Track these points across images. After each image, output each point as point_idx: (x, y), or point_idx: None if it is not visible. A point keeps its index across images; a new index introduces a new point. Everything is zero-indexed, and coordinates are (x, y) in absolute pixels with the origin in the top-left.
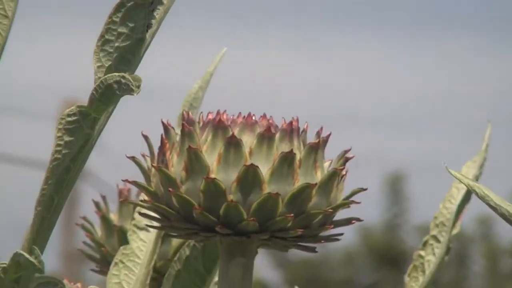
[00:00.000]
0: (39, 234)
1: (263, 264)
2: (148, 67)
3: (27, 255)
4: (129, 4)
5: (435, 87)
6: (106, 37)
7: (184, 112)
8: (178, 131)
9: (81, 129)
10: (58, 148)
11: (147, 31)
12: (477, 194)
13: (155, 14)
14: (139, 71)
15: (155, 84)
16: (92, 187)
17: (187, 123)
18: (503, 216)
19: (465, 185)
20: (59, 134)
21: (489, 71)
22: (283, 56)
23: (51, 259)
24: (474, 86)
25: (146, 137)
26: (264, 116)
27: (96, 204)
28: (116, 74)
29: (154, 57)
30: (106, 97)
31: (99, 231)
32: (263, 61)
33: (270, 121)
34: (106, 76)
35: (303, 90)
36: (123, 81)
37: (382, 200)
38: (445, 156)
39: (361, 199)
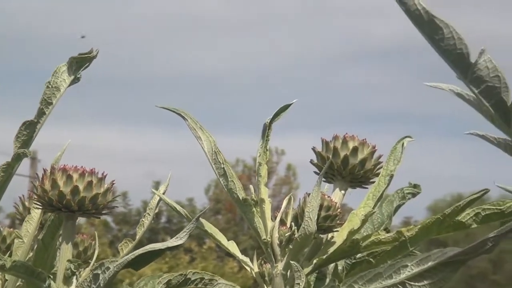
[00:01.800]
0: None
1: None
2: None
3: None
4: (28, 122)
5: None
6: (18, 146)
7: (52, 164)
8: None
9: (7, 170)
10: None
11: (34, 132)
12: (165, 203)
13: (37, 127)
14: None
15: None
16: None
17: (52, 168)
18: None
19: (157, 196)
20: (0, 171)
21: None
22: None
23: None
24: None
25: (37, 174)
26: (82, 167)
27: (20, 198)
28: (22, 150)
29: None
30: (18, 158)
31: (21, 208)
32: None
33: (85, 169)
34: (18, 150)
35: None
36: (24, 152)
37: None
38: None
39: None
